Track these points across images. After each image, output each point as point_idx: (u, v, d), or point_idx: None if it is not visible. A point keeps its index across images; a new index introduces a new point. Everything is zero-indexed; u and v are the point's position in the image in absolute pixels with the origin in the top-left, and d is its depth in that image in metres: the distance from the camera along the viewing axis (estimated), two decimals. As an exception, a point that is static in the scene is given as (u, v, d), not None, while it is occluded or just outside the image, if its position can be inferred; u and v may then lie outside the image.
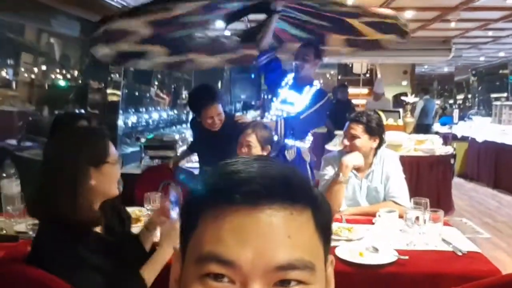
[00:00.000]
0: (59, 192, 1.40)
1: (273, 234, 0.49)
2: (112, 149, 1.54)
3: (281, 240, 0.49)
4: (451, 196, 5.43)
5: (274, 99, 3.32)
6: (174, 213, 1.65)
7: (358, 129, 2.48)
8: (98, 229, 1.53)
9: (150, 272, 1.52)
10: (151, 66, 4.22)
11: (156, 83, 8.53)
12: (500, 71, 11.64)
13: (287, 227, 0.50)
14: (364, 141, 2.49)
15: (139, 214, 2.33)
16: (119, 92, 5.01)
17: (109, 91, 5.06)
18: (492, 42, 7.87)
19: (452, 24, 6.31)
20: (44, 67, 5.14)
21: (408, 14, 5.64)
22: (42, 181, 1.45)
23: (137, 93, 7.60)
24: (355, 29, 3.19)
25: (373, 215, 2.28)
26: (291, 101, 3.23)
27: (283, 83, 3.27)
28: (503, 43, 7.92)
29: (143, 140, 4.43)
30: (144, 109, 7.29)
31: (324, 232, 0.55)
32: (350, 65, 10.68)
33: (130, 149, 5.48)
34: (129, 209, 1.90)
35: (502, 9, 5.19)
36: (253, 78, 9.40)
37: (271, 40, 3.32)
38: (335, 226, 2.12)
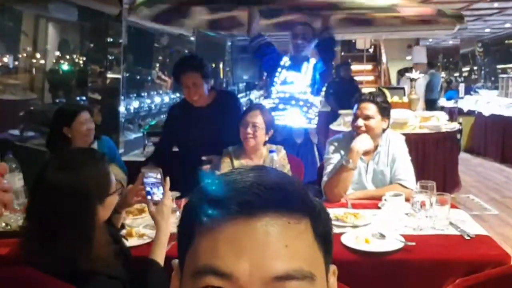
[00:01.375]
0: (72, 248, 1.25)
1: (270, 244, 0.48)
2: (112, 176, 1.44)
3: (279, 250, 0.48)
4: (458, 173, 5.39)
5: (275, 82, 3.31)
6: (158, 192, 1.64)
7: (372, 109, 2.41)
8: None
9: (161, 255, 1.52)
10: (195, 25, 4.26)
11: (158, 65, 8.46)
12: (506, 41, 11.44)
13: (284, 237, 0.49)
14: (377, 121, 2.43)
15: (144, 205, 2.32)
16: (119, 76, 4.96)
17: (109, 75, 5.01)
18: (498, 14, 7.69)
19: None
20: (43, 53, 5.09)
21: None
22: (43, 230, 1.27)
23: (138, 77, 7.55)
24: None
25: (379, 198, 2.26)
26: (291, 80, 3.38)
27: (279, 66, 3.40)
28: (509, 14, 7.75)
29: (146, 126, 4.41)
30: (146, 94, 7.24)
31: (324, 241, 0.53)
32: (354, 41, 10.53)
33: (133, 136, 5.47)
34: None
35: (508, -21, 5.06)
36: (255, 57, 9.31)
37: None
38: (341, 212, 2.11)
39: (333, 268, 0.57)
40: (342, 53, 11.17)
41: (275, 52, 3.42)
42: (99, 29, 5.17)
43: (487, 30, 10.53)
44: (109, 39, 5.00)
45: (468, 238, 1.81)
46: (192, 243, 0.51)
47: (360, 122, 2.42)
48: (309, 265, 0.49)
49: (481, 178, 6.10)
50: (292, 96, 3.46)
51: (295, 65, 3.38)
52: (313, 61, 3.51)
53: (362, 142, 2.38)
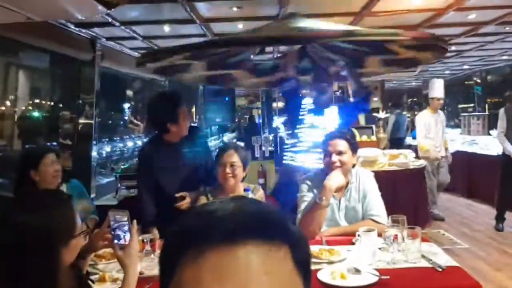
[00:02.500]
0: None
1: (252, 272, 0.49)
2: (78, 218, 1.40)
3: (260, 278, 0.49)
4: (428, 208, 5.53)
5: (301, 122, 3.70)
6: (126, 235, 1.61)
7: (343, 145, 2.50)
8: None
9: None
10: (194, 79, 4.25)
11: (130, 110, 8.48)
12: (466, 82, 12.03)
13: (265, 264, 0.50)
14: (349, 157, 2.51)
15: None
16: (91, 121, 4.95)
17: (81, 120, 5.00)
18: (456, 56, 8.12)
19: (417, 41, 6.48)
20: (14, 101, 5.06)
21: (374, 33, 5.78)
22: (9, 271, 1.25)
23: (110, 122, 7.54)
24: (393, 51, 3.08)
25: (353, 234, 2.30)
26: (317, 125, 3.83)
27: (301, 107, 3.78)
28: (466, 56, 8.19)
29: (118, 170, 4.37)
30: (118, 138, 7.22)
31: (303, 268, 0.55)
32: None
33: (105, 180, 5.40)
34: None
35: (463, 24, 5.38)
36: (227, 100, 9.46)
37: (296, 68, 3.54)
38: (316, 248, 2.13)
39: None
40: (312, 96, 11.49)
41: (300, 94, 3.80)
42: (71, 75, 5.20)
43: (447, 72, 11.07)
44: (82, 85, 5.02)
45: (440, 270, 1.87)
46: (175, 274, 0.52)
47: (335, 157, 2.48)
48: None
49: (451, 213, 6.24)
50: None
51: (318, 110, 3.74)
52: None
53: (334, 179, 2.44)
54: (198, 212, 0.55)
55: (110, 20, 4.22)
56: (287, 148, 4.72)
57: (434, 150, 5.75)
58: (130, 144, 7.19)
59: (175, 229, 0.55)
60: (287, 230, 0.55)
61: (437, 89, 5.87)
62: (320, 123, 3.81)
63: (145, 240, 2.16)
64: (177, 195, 2.60)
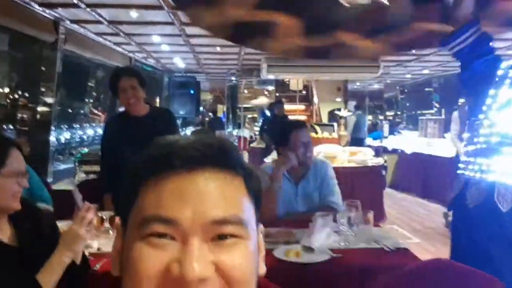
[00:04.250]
0: None
1: (210, 194, 0.54)
2: (11, 159, 1.45)
3: (217, 199, 0.54)
4: (383, 205, 5.73)
5: (485, 114, 1.78)
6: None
7: (308, 133, 2.69)
8: (6, 238, 1.47)
9: (46, 276, 1.44)
10: (285, 49, 2.62)
11: (91, 100, 8.31)
12: (426, 89, 12.47)
13: (222, 188, 0.55)
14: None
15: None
16: (51, 106, 4.83)
17: (41, 104, 4.87)
18: (416, 60, 8.41)
19: (380, 43, 6.67)
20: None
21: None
22: None
23: (70, 110, 7.37)
24: None
25: (310, 219, 2.38)
26: None
27: (496, 79, 1.77)
28: (426, 61, 8.50)
29: (78, 155, 4.29)
30: (78, 126, 7.07)
31: (255, 198, 0.60)
32: (288, 82, 11.00)
33: (63, 166, 5.29)
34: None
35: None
36: (192, 93, 9.42)
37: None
38: (273, 231, 2.18)
39: (261, 227, 0.63)
40: (277, 94, 11.63)
41: (492, 53, 1.81)
42: (31, 58, 5.05)
43: (408, 75, 11.44)
44: (43, 68, 4.89)
45: (389, 250, 1.97)
46: (137, 198, 0.56)
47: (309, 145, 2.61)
48: (243, 214, 0.56)
49: (405, 211, 6.50)
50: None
51: None
52: None
53: (283, 162, 2.56)
54: (160, 143, 0.58)
55: (75, 1, 4.14)
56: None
57: None
58: (90, 132, 7.07)
59: (139, 157, 0.58)
60: (242, 162, 0.59)
61: None
62: None
63: (104, 217, 2.15)
64: None
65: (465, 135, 2.03)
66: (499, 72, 1.73)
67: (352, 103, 8.62)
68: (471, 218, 1.79)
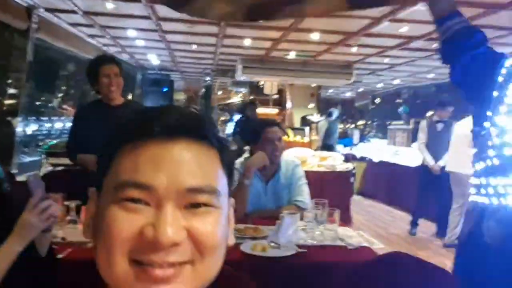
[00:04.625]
0: None
1: (185, 162, 0.55)
2: None
3: (192, 168, 0.55)
4: (350, 211, 5.82)
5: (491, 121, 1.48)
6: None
7: (279, 132, 2.69)
8: None
9: None
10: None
11: (61, 94, 8.11)
12: (396, 100, 12.78)
13: (198, 158, 0.56)
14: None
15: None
16: (19, 95, 4.70)
17: (6, 98, 4.74)
18: (389, 69, 8.61)
19: (354, 49, 6.83)
20: None
21: (315, 36, 6.00)
22: None
23: (38, 103, 7.18)
24: None
25: (278, 217, 2.40)
26: None
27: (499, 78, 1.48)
28: (398, 70, 8.71)
29: (45, 146, 4.19)
30: (46, 118, 6.89)
31: (228, 171, 0.62)
32: (262, 86, 11.05)
33: (28, 159, 5.15)
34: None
35: (396, 36, 5.72)
36: (165, 91, 9.34)
37: None
38: (241, 226, 2.20)
39: (232, 200, 0.65)
40: (251, 97, 11.67)
41: (489, 52, 1.56)
42: (1, 46, 4.91)
43: (380, 85, 11.70)
44: (13, 56, 4.76)
45: (352, 248, 2.02)
46: (113, 162, 0.57)
47: (279, 143, 2.64)
48: (218, 185, 0.58)
49: (371, 217, 6.63)
50: None
51: None
52: None
53: (256, 160, 2.58)
54: (138, 111, 0.60)
55: (50, -12, 4.06)
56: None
57: None
58: (58, 125, 6.90)
59: (117, 124, 0.59)
60: (217, 135, 0.61)
61: None
62: None
63: (70, 207, 2.11)
64: None
65: (471, 151, 1.56)
66: (503, 71, 1.44)
67: (335, 111, 8.71)
68: (488, 258, 1.39)
